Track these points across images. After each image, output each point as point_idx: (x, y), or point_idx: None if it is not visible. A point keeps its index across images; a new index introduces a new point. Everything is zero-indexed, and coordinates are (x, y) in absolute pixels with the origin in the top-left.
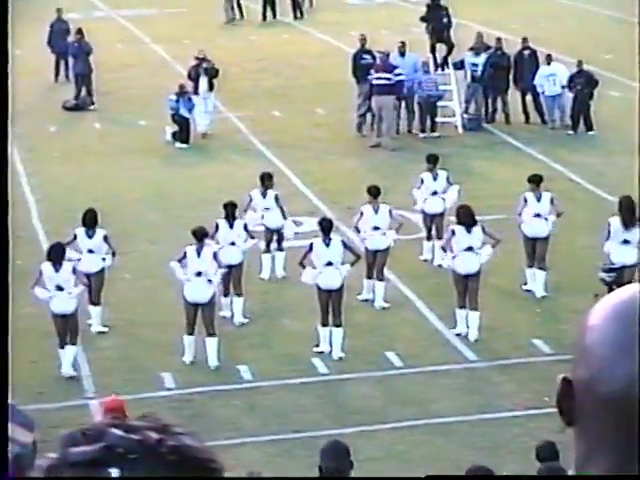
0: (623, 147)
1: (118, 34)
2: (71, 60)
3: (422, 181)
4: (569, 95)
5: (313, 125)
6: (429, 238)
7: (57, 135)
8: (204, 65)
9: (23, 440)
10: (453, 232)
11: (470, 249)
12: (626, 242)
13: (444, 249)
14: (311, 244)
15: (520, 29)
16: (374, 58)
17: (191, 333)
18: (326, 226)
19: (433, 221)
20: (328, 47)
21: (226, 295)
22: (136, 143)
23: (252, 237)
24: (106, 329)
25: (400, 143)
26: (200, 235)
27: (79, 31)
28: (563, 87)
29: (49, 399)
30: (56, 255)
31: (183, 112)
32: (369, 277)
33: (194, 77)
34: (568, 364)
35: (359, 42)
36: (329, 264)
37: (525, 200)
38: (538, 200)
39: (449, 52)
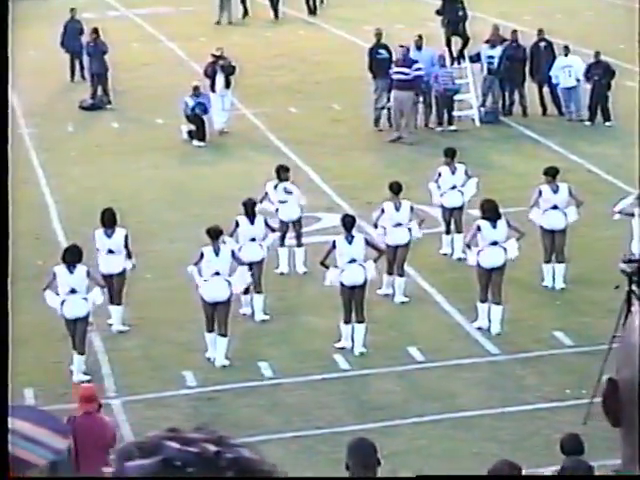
0: None
1: (133, 33)
2: (87, 60)
3: (440, 175)
4: (585, 87)
5: (330, 121)
6: (448, 232)
7: (74, 135)
8: (221, 62)
9: (57, 447)
10: (479, 228)
11: (495, 243)
12: None
13: (469, 246)
14: (334, 242)
15: (535, 21)
16: (390, 53)
17: (211, 330)
18: (348, 223)
19: (452, 215)
20: (344, 42)
21: (246, 292)
22: (154, 142)
23: (273, 230)
24: (127, 328)
25: (418, 137)
26: (215, 234)
27: (95, 31)
28: (578, 80)
29: (72, 399)
30: (71, 258)
31: (199, 113)
32: (390, 273)
33: (211, 74)
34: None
35: (375, 37)
36: (352, 261)
37: (540, 192)
38: (555, 192)
39: (465, 45)
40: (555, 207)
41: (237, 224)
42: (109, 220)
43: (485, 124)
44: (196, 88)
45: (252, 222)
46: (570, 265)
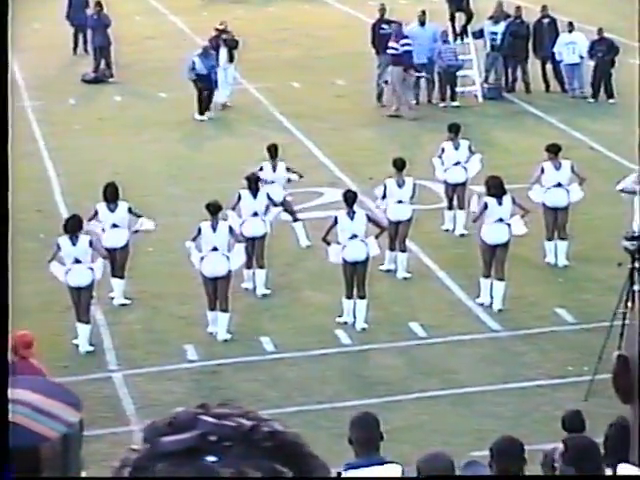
0: None
1: (136, 6)
2: (90, 33)
3: (443, 150)
4: (588, 64)
5: (333, 96)
6: (450, 208)
7: (77, 108)
8: (224, 36)
9: (70, 420)
10: (486, 205)
11: (500, 220)
12: None
13: (475, 221)
14: (335, 217)
15: None
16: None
17: (213, 309)
18: (350, 198)
19: (455, 191)
20: (347, 18)
21: (249, 267)
22: (156, 115)
23: (275, 205)
24: (128, 302)
25: (416, 113)
26: (214, 209)
27: (98, 4)
28: (582, 57)
29: (73, 372)
30: (72, 228)
31: (201, 70)
32: (392, 249)
33: (214, 48)
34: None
35: (378, 12)
36: (354, 237)
37: (542, 170)
38: (557, 169)
39: (468, 21)
40: (558, 184)
41: (239, 198)
42: (112, 194)
43: (488, 100)
44: (206, 49)
45: (255, 196)
46: (572, 242)
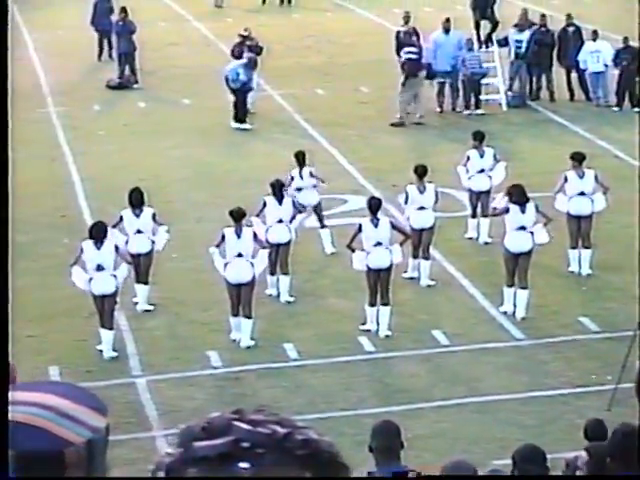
0: None
1: (160, 13)
2: (115, 39)
3: (468, 158)
4: (613, 73)
5: (357, 103)
6: (474, 216)
7: (101, 114)
8: (248, 43)
9: (95, 425)
10: (507, 209)
11: (523, 228)
12: None
13: (494, 214)
14: (360, 225)
15: (564, 6)
16: (418, 36)
17: (236, 314)
18: (374, 205)
19: (479, 199)
20: (372, 25)
21: (272, 273)
22: (180, 121)
23: (300, 212)
24: (152, 307)
25: (444, 121)
26: (238, 216)
27: (123, 10)
28: (606, 65)
29: (96, 377)
30: (97, 234)
31: (244, 80)
32: (415, 256)
33: (238, 55)
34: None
35: (403, 20)
36: (378, 244)
37: (566, 179)
38: (581, 178)
39: (493, 29)
40: (582, 193)
41: (264, 204)
42: (137, 200)
43: (512, 108)
44: (250, 59)
45: (280, 203)
46: (596, 251)
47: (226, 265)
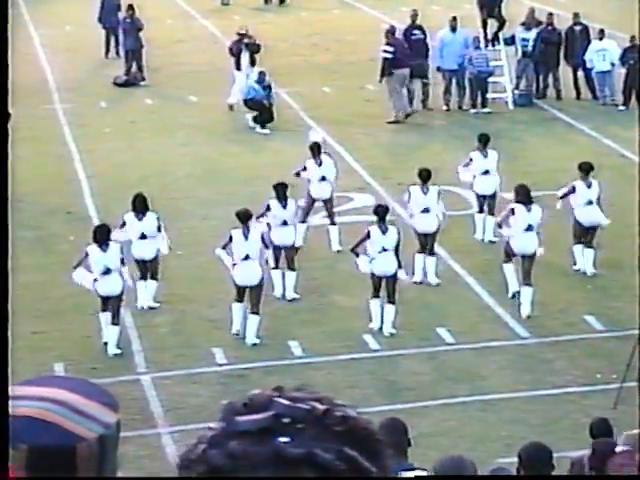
0: None
1: (168, 10)
2: (122, 36)
3: (471, 160)
4: (620, 72)
5: (363, 101)
6: (481, 211)
7: (108, 111)
8: (245, 41)
9: (107, 420)
10: (513, 211)
11: (530, 228)
12: None
13: (500, 225)
14: (368, 232)
15: (571, 4)
16: (425, 34)
17: (240, 301)
18: (381, 212)
19: (485, 200)
20: (378, 23)
21: (276, 267)
22: (187, 119)
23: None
24: (157, 305)
25: (450, 119)
26: (244, 217)
27: (130, 7)
28: (613, 64)
29: (102, 374)
30: (102, 236)
31: (265, 102)
32: (420, 252)
33: (236, 53)
34: (620, 341)
35: (410, 18)
36: (384, 250)
37: (574, 188)
38: (588, 187)
39: (500, 27)
40: (590, 202)
41: (268, 207)
42: (140, 205)
43: (519, 107)
44: (262, 73)
45: (284, 206)
46: (601, 250)
47: (234, 266)
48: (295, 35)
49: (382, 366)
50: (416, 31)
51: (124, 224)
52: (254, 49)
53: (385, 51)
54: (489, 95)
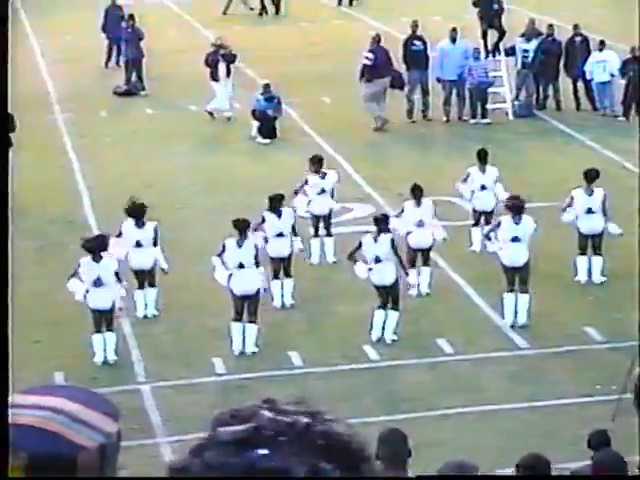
0: None
1: (169, 20)
2: (123, 46)
3: (468, 175)
4: (619, 82)
5: (363, 111)
6: (476, 224)
7: (108, 120)
8: (221, 51)
9: (107, 430)
10: (499, 224)
11: (516, 239)
12: None
13: (488, 237)
14: (360, 241)
15: (572, 16)
16: (425, 45)
17: (239, 320)
18: (382, 221)
19: (483, 215)
20: (379, 33)
21: (276, 277)
22: (187, 128)
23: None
24: (158, 312)
25: (450, 130)
26: (242, 227)
27: (131, 17)
28: (613, 75)
29: (101, 384)
30: (98, 247)
31: (270, 113)
32: (413, 266)
33: (212, 64)
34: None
35: (410, 28)
36: (378, 260)
37: (572, 198)
38: (589, 195)
39: (500, 38)
40: (590, 210)
41: (263, 220)
42: (137, 213)
43: (518, 118)
44: (267, 85)
45: (279, 217)
46: (603, 260)
47: (230, 276)
48: (296, 45)
49: (382, 376)
50: (416, 42)
51: (120, 234)
52: (230, 59)
53: (367, 58)
54: (489, 106)
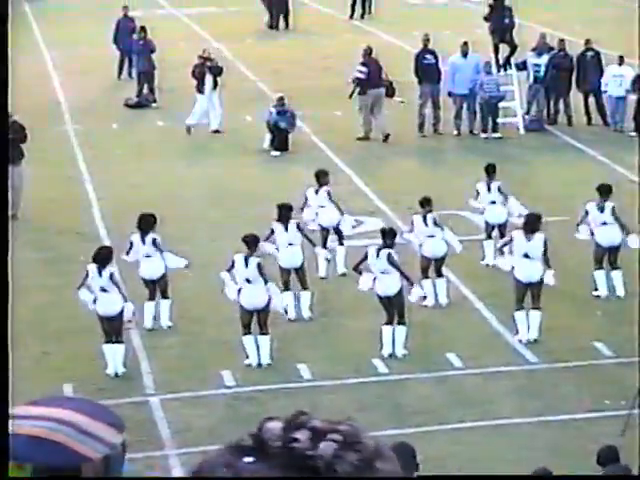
0: None
1: (180, 32)
2: (135, 58)
3: (478, 193)
4: (632, 98)
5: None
6: (489, 237)
7: (119, 132)
8: (208, 64)
9: (112, 441)
10: (512, 238)
11: (526, 256)
12: None
13: (501, 251)
14: (366, 253)
15: (583, 31)
16: (437, 58)
17: (247, 333)
18: (389, 233)
19: (494, 228)
20: (391, 47)
21: (287, 289)
22: (197, 141)
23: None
24: (171, 324)
25: (461, 144)
26: (251, 242)
27: (142, 29)
28: (627, 91)
29: (110, 395)
30: (102, 259)
31: (282, 125)
32: (425, 277)
33: (198, 76)
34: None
35: (422, 42)
36: (383, 272)
37: (586, 213)
38: (601, 211)
39: (512, 53)
40: (604, 223)
41: (272, 231)
42: (145, 225)
43: (529, 132)
44: (281, 98)
45: (286, 228)
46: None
47: (240, 290)
48: (307, 59)
49: (391, 390)
50: (428, 55)
51: (131, 246)
52: (216, 72)
53: (359, 71)
54: (500, 120)
